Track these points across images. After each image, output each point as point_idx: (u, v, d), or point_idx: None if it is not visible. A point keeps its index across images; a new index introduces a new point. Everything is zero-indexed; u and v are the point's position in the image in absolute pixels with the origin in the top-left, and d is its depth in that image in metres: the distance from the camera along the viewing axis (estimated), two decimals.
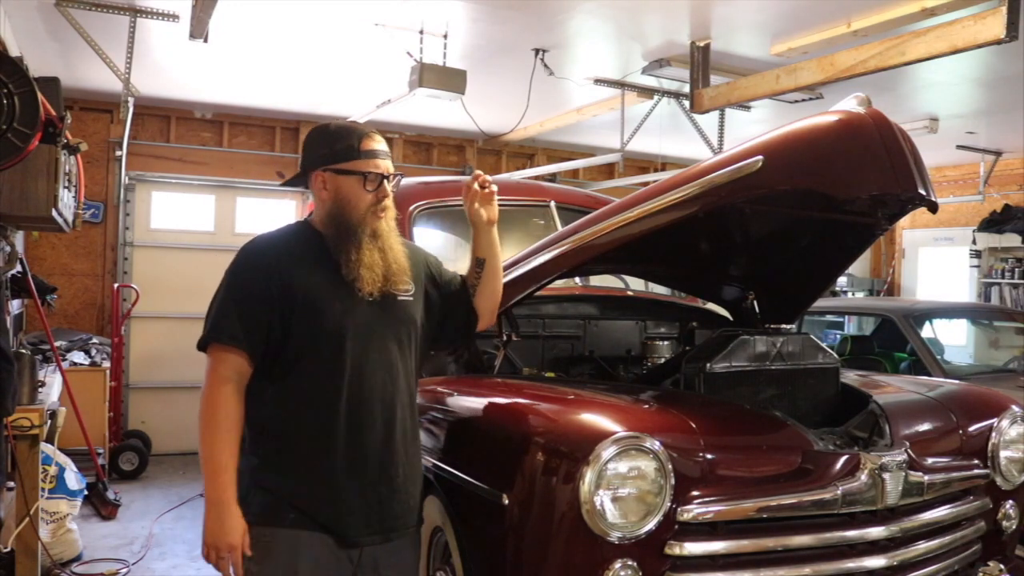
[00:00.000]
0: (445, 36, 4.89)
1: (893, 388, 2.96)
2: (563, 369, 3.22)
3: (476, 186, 2.34)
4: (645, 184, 5.09)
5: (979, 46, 3.72)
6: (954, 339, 7.36)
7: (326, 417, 2.06)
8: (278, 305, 2.04)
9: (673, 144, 7.74)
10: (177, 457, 7.00)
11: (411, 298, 2.23)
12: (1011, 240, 8.64)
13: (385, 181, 2.14)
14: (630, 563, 2.03)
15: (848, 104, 2.30)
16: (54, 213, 3.45)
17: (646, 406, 2.40)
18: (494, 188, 2.36)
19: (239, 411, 2.05)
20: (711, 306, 3.57)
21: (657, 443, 2.04)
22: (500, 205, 2.41)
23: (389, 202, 2.15)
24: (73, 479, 4.60)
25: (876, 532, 2.24)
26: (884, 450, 2.33)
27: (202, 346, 2.09)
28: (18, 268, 3.97)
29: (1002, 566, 2.62)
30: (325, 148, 2.15)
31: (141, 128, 7.09)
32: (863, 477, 2.22)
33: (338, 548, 2.07)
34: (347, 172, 2.11)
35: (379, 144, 2.16)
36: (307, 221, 2.24)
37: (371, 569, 2.12)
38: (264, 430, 2.09)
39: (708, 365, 2.58)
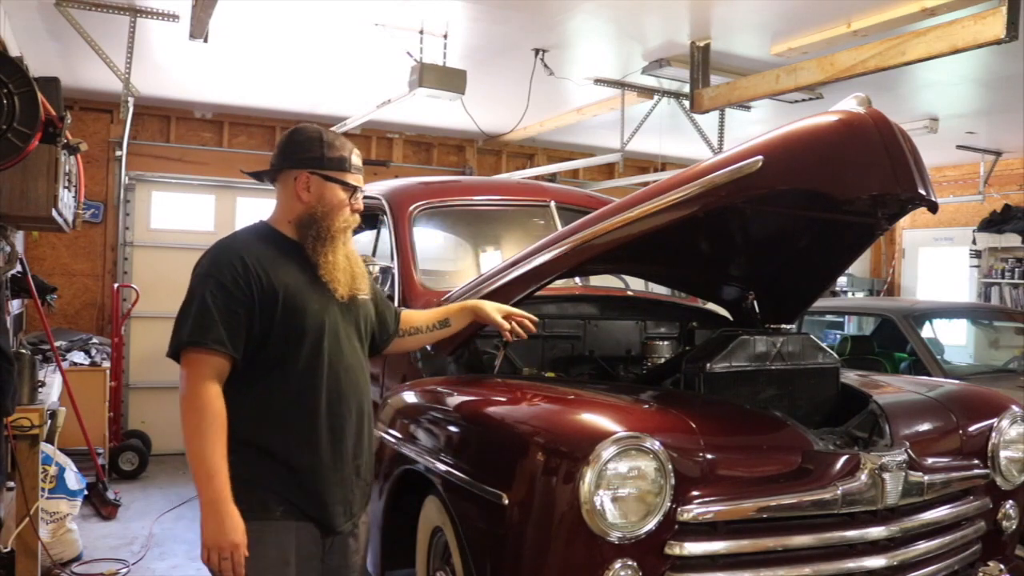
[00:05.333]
0: (445, 36, 4.89)
1: (893, 388, 2.96)
2: (563, 369, 3.22)
3: (520, 329, 2.65)
4: (645, 184, 5.08)
5: (979, 46, 3.72)
6: (954, 339, 7.35)
7: (309, 413, 2.12)
8: (257, 307, 2.07)
9: (673, 144, 7.73)
10: (177, 457, 6.99)
11: (368, 298, 2.36)
12: (1011, 240, 8.64)
13: (360, 196, 2.26)
14: (630, 563, 2.03)
15: (848, 104, 2.30)
16: (54, 213, 3.45)
17: (646, 406, 2.40)
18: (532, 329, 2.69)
19: (224, 410, 2.05)
20: (711, 306, 3.57)
21: (657, 443, 2.04)
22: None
23: (357, 216, 2.28)
24: (73, 479, 4.60)
25: (876, 532, 2.24)
26: (884, 450, 2.33)
27: (177, 351, 2.08)
28: (18, 268, 3.96)
29: (1002, 566, 2.62)
30: (317, 152, 2.18)
31: (141, 128, 7.08)
32: (863, 477, 2.22)
33: (321, 536, 2.17)
34: (337, 181, 2.18)
35: (361, 162, 2.28)
36: (265, 222, 2.26)
37: (340, 552, 2.24)
38: (249, 429, 2.11)
39: (708, 365, 2.58)
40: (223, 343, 2.03)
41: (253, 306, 2.07)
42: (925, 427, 2.61)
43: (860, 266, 10.05)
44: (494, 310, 2.62)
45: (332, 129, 2.49)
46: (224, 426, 2.04)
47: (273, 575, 2.08)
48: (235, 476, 2.08)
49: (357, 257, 2.28)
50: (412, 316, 2.64)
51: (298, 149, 2.20)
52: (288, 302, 2.09)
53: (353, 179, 2.21)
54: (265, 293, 2.08)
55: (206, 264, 2.13)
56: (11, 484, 3.73)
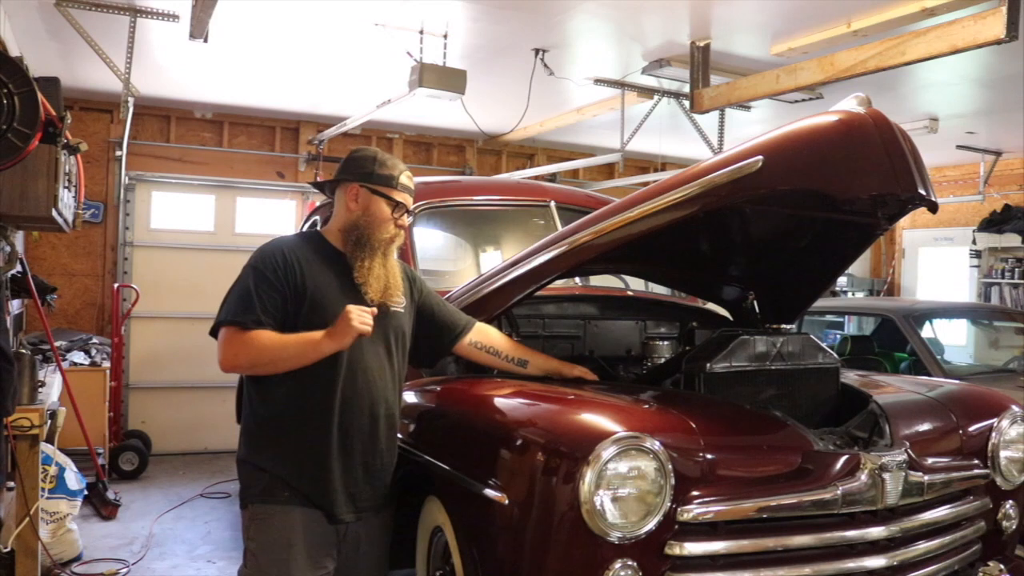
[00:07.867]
0: (445, 36, 4.89)
1: (893, 388, 2.96)
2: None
3: None
4: (645, 184, 5.08)
5: (979, 46, 3.72)
6: (954, 339, 7.35)
7: (322, 407, 2.29)
8: (292, 298, 2.28)
9: (673, 144, 7.74)
10: (177, 457, 7.00)
11: (403, 311, 2.51)
12: (1011, 240, 8.64)
13: (406, 214, 2.44)
14: (630, 563, 2.03)
15: (848, 104, 2.30)
16: (54, 213, 3.44)
17: (646, 406, 2.40)
18: None
19: (269, 332, 2.22)
20: (711, 306, 3.57)
21: (657, 443, 2.04)
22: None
23: (402, 232, 2.45)
24: (73, 479, 4.60)
25: (876, 532, 2.24)
26: (884, 450, 2.33)
27: (216, 328, 2.27)
28: (18, 268, 3.96)
29: (1002, 566, 2.62)
30: (369, 168, 2.41)
31: (141, 128, 7.09)
32: (863, 477, 2.22)
33: (327, 523, 2.31)
34: (382, 195, 2.39)
35: (411, 183, 2.46)
36: (318, 232, 2.49)
37: (353, 545, 2.39)
38: (265, 418, 2.33)
39: (708, 365, 2.57)
40: (260, 323, 2.23)
41: (287, 295, 2.27)
42: (925, 427, 2.61)
43: (860, 266, 10.05)
44: (579, 373, 2.78)
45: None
46: (276, 333, 2.22)
47: (277, 555, 2.26)
48: (247, 461, 2.35)
49: (396, 272, 2.44)
50: (493, 336, 2.77)
51: (353, 164, 2.43)
52: (315, 300, 2.29)
53: (399, 196, 2.40)
54: (297, 287, 2.28)
55: (252, 257, 2.35)
56: (11, 484, 3.73)
